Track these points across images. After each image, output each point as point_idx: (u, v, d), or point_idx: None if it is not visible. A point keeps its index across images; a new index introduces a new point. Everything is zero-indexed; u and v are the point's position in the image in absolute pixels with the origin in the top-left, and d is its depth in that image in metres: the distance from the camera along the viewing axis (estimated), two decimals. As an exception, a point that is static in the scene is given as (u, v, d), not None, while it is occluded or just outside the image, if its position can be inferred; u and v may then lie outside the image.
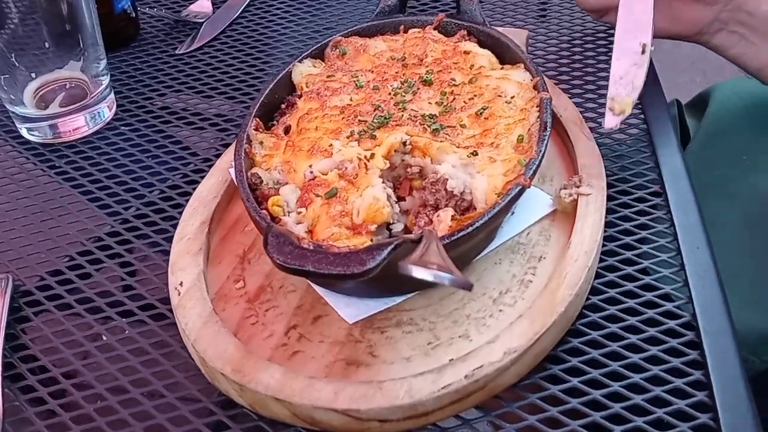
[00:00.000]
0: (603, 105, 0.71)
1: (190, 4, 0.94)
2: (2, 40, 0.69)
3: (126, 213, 0.65)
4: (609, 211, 0.60)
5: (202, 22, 0.90)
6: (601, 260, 0.57)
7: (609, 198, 0.61)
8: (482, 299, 0.53)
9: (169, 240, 0.59)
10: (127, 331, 0.55)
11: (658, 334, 0.52)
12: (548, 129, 0.56)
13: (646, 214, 0.60)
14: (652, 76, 0.74)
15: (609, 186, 0.62)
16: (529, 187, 0.53)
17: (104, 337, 0.55)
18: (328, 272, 0.43)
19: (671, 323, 0.52)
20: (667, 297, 0.54)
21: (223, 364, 0.48)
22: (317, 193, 0.53)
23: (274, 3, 0.94)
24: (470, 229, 0.49)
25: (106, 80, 0.76)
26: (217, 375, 0.49)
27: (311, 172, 0.55)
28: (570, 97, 0.70)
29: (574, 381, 0.49)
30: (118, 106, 0.78)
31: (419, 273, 0.38)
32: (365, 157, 0.55)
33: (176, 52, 0.86)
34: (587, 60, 0.78)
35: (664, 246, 0.57)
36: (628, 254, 0.57)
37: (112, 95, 0.77)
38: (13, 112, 0.74)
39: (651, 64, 0.76)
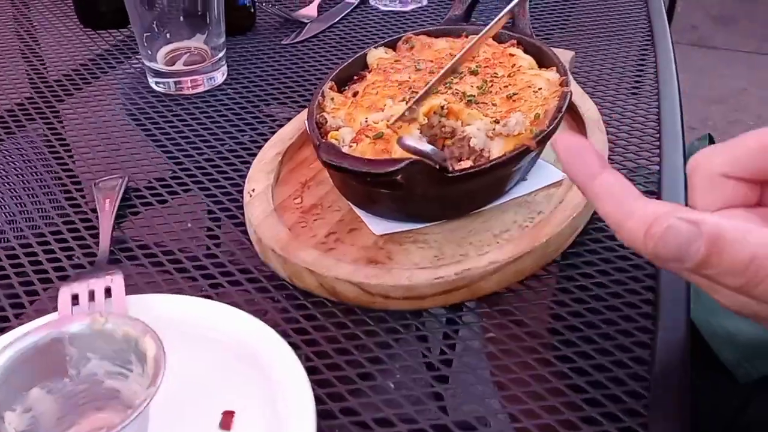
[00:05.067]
0: (625, 116, 0.84)
1: (301, 8, 1.12)
2: (152, 12, 0.88)
3: (221, 147, 0.82)
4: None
5: (307, 23, 1.08)
6: (592, 221, 0.68)
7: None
8: (485, 234, 0.66)
9: (251, 167, 0.75)
10: (207, 224, 0.71)
11: (621, 277, 0.63)
12: (562, 111, 0.69)
13: (639, 197, 0.72)
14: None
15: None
16: (534, 149, 0.66)
17: (189, 224, 0.71)
18: (359, 169, 0.57)
19: (634, 272, 0.63)
20: (636, 254, 0.65)
21: (274, 243, 0.63)
22: (367, 135, 0.68)
23: (370, 14, 1.11)
24: (474, 169, 0.62)
25: (221, 53, 0.94)
26: (268, 252, 0.64)
27: (366, 121, 0.70)
28: (600, 109, 0.82)
29: (546, 301, 0.61)
30: (229, 75, 0.96)
31: (411, 141, 0.52)
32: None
33: (282, 42, 1.04)
34: (622, 83, 0.91)
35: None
36: (616, 222, 0.69)
37: (225, 66, 0.95)
38: (148, 67, 0.93)
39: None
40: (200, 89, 0.92)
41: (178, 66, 0.92)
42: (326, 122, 0.71)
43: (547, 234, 0.62)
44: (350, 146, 0.68)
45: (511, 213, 0.68)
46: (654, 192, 0.73)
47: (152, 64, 0.92)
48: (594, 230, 0.68)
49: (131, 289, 0.63)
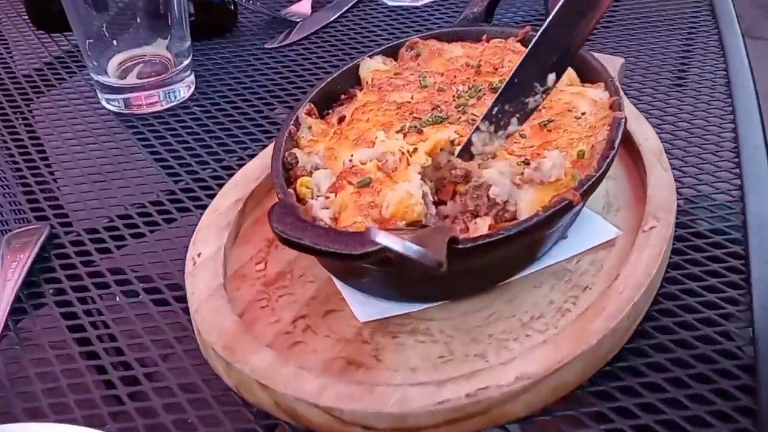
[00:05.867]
0: (692, 143, 0.65)
1: (291, 4, 0.94)
2: (101, 14, 0.71)
3: (174, 186, 0.65)
4: (677, 252, 0.54)
5: (298, 22, 0.90)
6: (657, 302, 0.50)
7: (680, 239, 0.54)
8: (510, 321, 0.48)
9: (207, 215, 0.57)
10: (140, 296, 0.54)
11: (707, 393, 0.44)
12: (615, 148, 0.51)
13: (720, 261, 0.53)
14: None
15: (683, 226, 0.55)
16: (578, 203, 0.47)
17: (117, 298, 0.54)
18: (324, 248, 0.39)
19: (724, 383, 0.45)
20: (726, 353, 0.46)
21: (216, 338, 0.46)
22: (350, 181, 0.50)
23: (375, 10, 0.93)
24: (498, 237, 0.44)
25: (187, 61, 0.76)
26: (209, 350, 0.46)
27: (350, 161, 0.52)
28: (658, 132, 0.63)
29: (597, 428, 0.43)
30: (196, 88, 0.78)
31: (384, 239, 0.34)
32: (408, 151, 0.51)
33: (266, 46, 0.86)
34: (685, 98, 0.71)
35: (734, 298, 0.50)
36: (690, 300, 0.50)
37: (191, 77, 0.78)
38: (96, 81, 0.76)
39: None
40: (157, 107, 0.75)
41: (131, 79, 0.74)
42: (297, 163, 0.53)
43: (600, 330, 0.44)
44: (326, 197, 0.50)
45: (545, 288, 0.50)
46: (739, 241, 0.54)
47: (100, 77, 0.75)
48: (659, 313, 0.49)
49: (26, 395, 0.46)
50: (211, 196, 0.62)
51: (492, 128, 0.49)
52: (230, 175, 0.64)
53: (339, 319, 0.49)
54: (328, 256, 0.39)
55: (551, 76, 0.49)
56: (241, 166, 0.65)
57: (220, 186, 0.63)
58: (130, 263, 0.57)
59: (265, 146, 0.68)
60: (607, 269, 0.51)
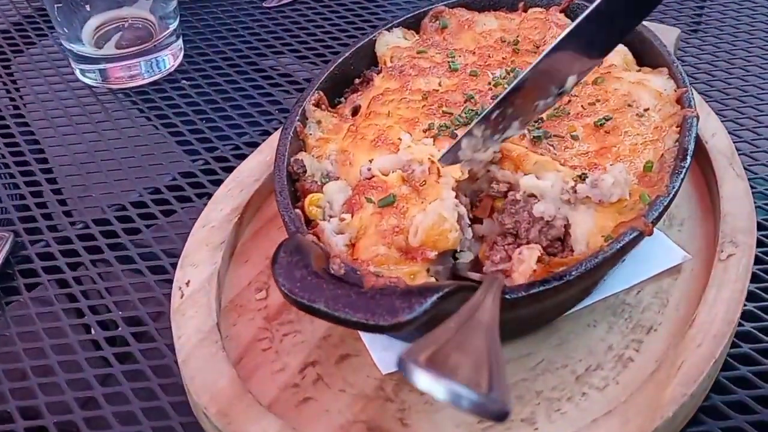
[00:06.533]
0: (762, 136, 0.56)
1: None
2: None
3: (159, 181, 0.56)
4: (753, 278, 0.45)
5: (300, -25, 0.79)
6: (734, 345, 0.42)
7: (756, 261, 0.46)
8: (562, 372, 0.40)
9: (196, 223, 0.49)
10: (120, 328, 0.45)
11: (801, 469, 0.37)
12: (688, 159, 0.42)
13: (804, 291, 0.45)
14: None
15: (758, 244, 0.47)
16: (650, 234, 0.39)
17: (93, 331, 0.45)
18: (345, 317, 0.31)
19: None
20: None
21: (209, 401, 0.38)
22: (370, 198, 0.41)
23: (384, -37, 0.82)
24: (559, 282, 0.36)
25: (174, 24, 0.66)
26: (200, 413, 0.38)
27: (369, 169, 0.43)
28: (722, 120, 0.54)
29: None
30: (185, 56, 0.68)
31: (424, 383, 0.25)
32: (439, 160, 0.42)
33: (264, 5, 0.76)
34: (748, 76, 0.62)
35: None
36: (773, 343, 0.42)
37: (179, 42, 0.68)
38: (69, 50, 0.66)
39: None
40: (139, 81, 0.65)
41: (109, 48, 0.64)
42: (305, 172, 0.44)
43: (676, 398, 0.36)
44: (341, 218, 0.41)
45: (601, 328, 0.42)
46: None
47: (73, 46, 0.65)
48: (735, 359, 0.41)
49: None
50: (202, 195, 0.54)
51: (488, 132, 0.40)
52: (225, 169, 0.56)
53: (356, 368, 0.41)
54: (351, 326, 0.31)
55: (571, 79, 0.39)
56: (237, 157, 0.57)
57: (214, 183, 0.55)
58: (105, 282, 0.48)
59: (265, 132, 0.60)
60: (675, 304, 0.43)
